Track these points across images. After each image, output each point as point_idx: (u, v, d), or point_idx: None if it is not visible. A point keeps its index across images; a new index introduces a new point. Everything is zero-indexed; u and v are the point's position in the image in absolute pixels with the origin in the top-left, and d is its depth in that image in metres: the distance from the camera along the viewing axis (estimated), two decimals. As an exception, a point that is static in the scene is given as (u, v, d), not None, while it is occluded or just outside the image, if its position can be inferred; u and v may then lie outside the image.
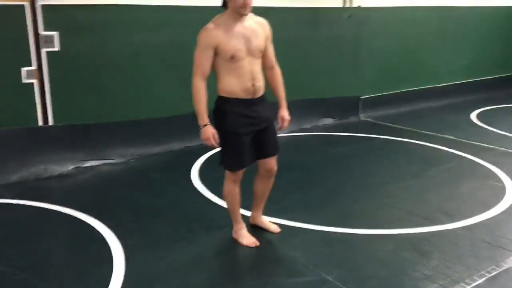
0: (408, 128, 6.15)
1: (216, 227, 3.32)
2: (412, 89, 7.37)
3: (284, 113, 3.04)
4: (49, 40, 4.21)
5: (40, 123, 4.35)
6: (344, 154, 5.14)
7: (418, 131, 6.01)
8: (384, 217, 3.51)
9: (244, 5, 2.66)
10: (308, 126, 6.18)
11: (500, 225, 3.31)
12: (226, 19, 2.73)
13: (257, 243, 3.05)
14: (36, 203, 3.71)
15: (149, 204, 3.75)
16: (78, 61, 4.47)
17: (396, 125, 6.32)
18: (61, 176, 4.35)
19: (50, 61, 4.28)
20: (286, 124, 3.06)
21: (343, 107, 6.57)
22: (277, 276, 2.73)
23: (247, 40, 2.75)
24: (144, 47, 4.84)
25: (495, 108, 7.40)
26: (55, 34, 4.24)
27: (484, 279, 2.65)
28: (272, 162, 3.03)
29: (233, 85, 2.82)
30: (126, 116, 4.87)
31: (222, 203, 3.67)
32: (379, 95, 6.96)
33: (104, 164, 4.68)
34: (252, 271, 2.84)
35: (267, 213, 3.45)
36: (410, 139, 5.64)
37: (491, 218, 3.42)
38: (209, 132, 2.78)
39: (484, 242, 3.07)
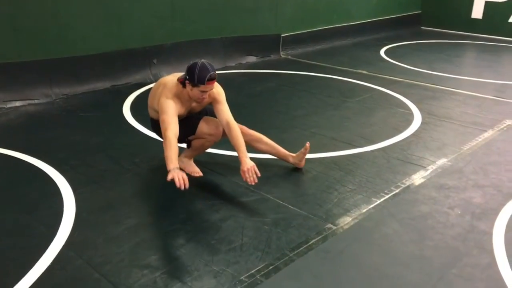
0: (325, 65, 6.53)
1: (158, 160, 3.45)
2: (327, 27, 7.73)
3: (244, 166, 2.84)
4: (-43, -29, 3.88)
5: (-45, 61, 4.09)
6: (269, 89, 5.41)
7: (334, 67, 6.42)
8: (312, 143, 3.83)
9: (200, 100, 2.88)
10: (232, 64, 6.34)
11: (410, 146, 3.80)
12: (184, 96, 2.90)
13: (200, 173, 3.26)
14: (-37, 145, 3.59)
15: (86, 141, 3.77)
16: (-8, -6, 4.18)
17: (314, 62, 6.68)
18: (-16, 118, 4.18)
19: (-40, -6, 3.97)
20: (249, 173, 2.81)
21: (265, 45, 6.77)
22: (223, 198, 2.98)
23: (192, 110, 3.06)
24: (63, -19, 4.61)
25: (401, 44, 8.02)
26: (-36, -37, 3.91)
27: (399, 189, 3.10)
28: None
29: None
30: (48, 54, 4.68)
31: (161, 138, 3.80)
32: (298, 33, 7.23)
33: (29, 104, 4.53)
34: (199, 195, 3.05)
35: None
36: (327, 74, 6.03)
37: (402, 140, 3.91)
38: (180, 172, 2.60)
39: (397, 160, 3.54)
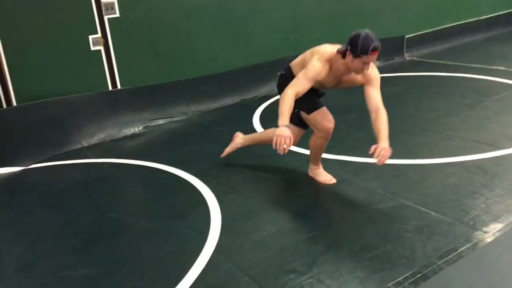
0: (455, 63, 6.16)
1: (290, 168, 3.57)
2: (454, 24, 7.30)
3: (382, 144, 2.71)
4: (110, 7, 4.42)
5: (110, 87, 4.63)
6: (396, 93, 5.25)
7: (466, 64, 6.03)
8: (450, 146, 3.67)
9: (361, 71, 2.78)
10: (355, 70, 6.28)
11: None
12: (339, 66, 2.84)
13: (334, 180, 3.28)
14: (120, 160, 4.04)
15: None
16: (137, 26, 4.68)
17: (442, 61, 6.34)
18: (134, 136, 4.66)
19: (112, 28, 4.51)
20: (381, 152, 2.66)
21: (389, 47, 6.56)
22: (360, 205, 2.96)
23: (340, 83, 2.99)
24: (195, 8, 5.00)
25: (542, 35, 7.28)
26: (115, 0, 4.44)
27: (557, 192, 2.82)
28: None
29: None
30: (184, 75, 5.09)
31: (292, 148, 3.90)
32: (422, 33, 6.95)
33: (170, 122, 4.96)
34: (335, 202, 3.08)
35: (335, 151, 3.68)
36: (459, 73, 5.68)
37: (556, 139, 3.54)
38: (287, 131, 2.63)
39: (552, 161, 3.22)
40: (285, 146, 2.60)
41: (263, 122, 4.67)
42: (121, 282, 2.43)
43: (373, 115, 2.85)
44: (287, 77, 3.08)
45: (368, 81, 2.90)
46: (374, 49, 2.67)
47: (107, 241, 2.82)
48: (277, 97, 5.43)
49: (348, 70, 2.85)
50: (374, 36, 2.69)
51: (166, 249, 2.67)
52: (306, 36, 5.88)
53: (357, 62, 2.72)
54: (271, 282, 2.32)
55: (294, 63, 3.13)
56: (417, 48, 6.89)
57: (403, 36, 6.71)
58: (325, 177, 3.32)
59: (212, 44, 5.22)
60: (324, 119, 3.05)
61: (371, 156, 2.69)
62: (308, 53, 3.01)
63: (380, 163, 2.66)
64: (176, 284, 2.35)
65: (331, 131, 3.08)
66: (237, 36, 5.33)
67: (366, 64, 2.73)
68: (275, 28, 5.65)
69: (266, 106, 5.23)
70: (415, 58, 6.71)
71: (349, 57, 2.74)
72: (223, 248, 2.62)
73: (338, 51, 2.80)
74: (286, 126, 2.65)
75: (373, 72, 2.91)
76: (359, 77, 2.91)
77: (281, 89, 3.17)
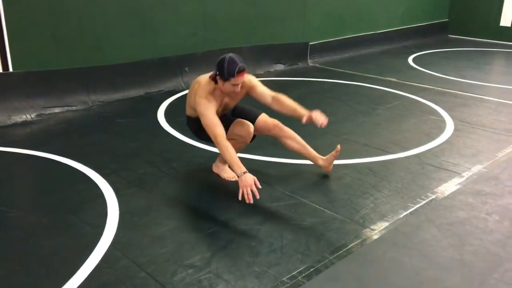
0: (354, 72, 6.56)
1: (194, 164, 3.55)
2: (355, 35, 7.77)
3: (312, 115, 3.07)
4: (4, -18, 4.06)
5: (0, 70, 4.25)
6: (298, 97, 5.33)
7: (363, 74, 6.44)
8: (345, 149, 3.86)
9: (234, 94, 2.91)
10: (261, 72, 6.42)
11: (444, 152, 3.80)
12: (217, 93, 2.94)
13: (237, 178, 3.31)
14: (8, 149, 3.73)
15: (124, 146, 3.88)
16: (35, 5, 4.36)
17: (342, 70, 6.71)
18: (26, 123, 4.33)
19: (6, 5, 4.15)
20: (318, 116, 3.08)
21: (293, 53, 6.84)
22: (260, 202, 3.01)
23: (226, 106, 3.09)
24: (101, -9, 4.78)
25: (428, 52, 8.00)
26: (10, -24, 4.10)
27: (435, 195, 3.11)
28: (265, 121, 3.25)
29: None
30: (85, 62, 4.84)
31: (196, 144, 3.89)
32: (325, 41, 7.29)
33: (67, 110, 4.68)
34: (236, 199, 3.10)
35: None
36: (356, 82, 6.05)
37: (436, 146, 3.91)
38: (250, 178, 2.72)
39: (432, 166, 3.55)
40: (255, 189, 2.70)
41: (169, 116, 4.60)
42: (5, 278, 2.25)
43: (274, 104, 3.09)
44: (192, 119, 3.14)
45: (249, 87, 3.05)
46: (240, 71, 2.83)
47: (-11, 235, 2.59)
48: (184, 92, 5.43)
49: (223, 93, 2.95)
50: (238, 59, 2.84)
51: (57, 244, 2.52)
52: (215, 35, 5.89)
53: (227, 85, 2.86)
54: (168, 277, 2.29)
55: (187, 101, 3.14)
56: (320, 55, 7.22)
57: (307, 43, 7.00)
58: (229, 173, 3.35)
59: (117, 33, 5.02)
60: (242, 129, 3.11)
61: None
62: (191, 86, 3.08)
63: (325, 122, 3.04)
64: (66, 280, 2.23)
65: (251, 137, 3.17)
66: (145, 27, 5.19)
67: (235, 86, 2.87)
68: (184, 22, 5.59)
69: (172, 101, 5.15)
70: (317, 65, 7.02)
71: (220, 81, 2.88)
72: (119, 243, 2.54)
73: (210, 77, 2.92)
74: (245, 172, 2.72)
75: (248, 79, 3.03)
76: (239, 94, 3.01)
77: (195, 132, 3.21)
